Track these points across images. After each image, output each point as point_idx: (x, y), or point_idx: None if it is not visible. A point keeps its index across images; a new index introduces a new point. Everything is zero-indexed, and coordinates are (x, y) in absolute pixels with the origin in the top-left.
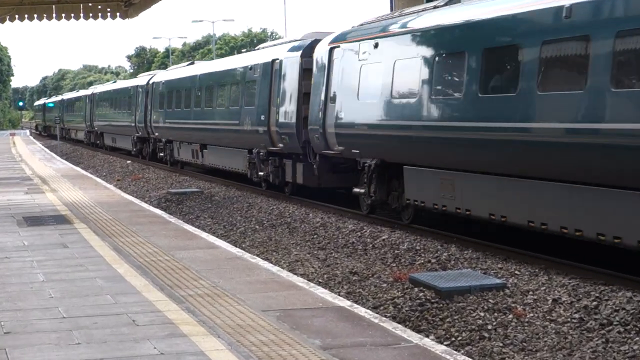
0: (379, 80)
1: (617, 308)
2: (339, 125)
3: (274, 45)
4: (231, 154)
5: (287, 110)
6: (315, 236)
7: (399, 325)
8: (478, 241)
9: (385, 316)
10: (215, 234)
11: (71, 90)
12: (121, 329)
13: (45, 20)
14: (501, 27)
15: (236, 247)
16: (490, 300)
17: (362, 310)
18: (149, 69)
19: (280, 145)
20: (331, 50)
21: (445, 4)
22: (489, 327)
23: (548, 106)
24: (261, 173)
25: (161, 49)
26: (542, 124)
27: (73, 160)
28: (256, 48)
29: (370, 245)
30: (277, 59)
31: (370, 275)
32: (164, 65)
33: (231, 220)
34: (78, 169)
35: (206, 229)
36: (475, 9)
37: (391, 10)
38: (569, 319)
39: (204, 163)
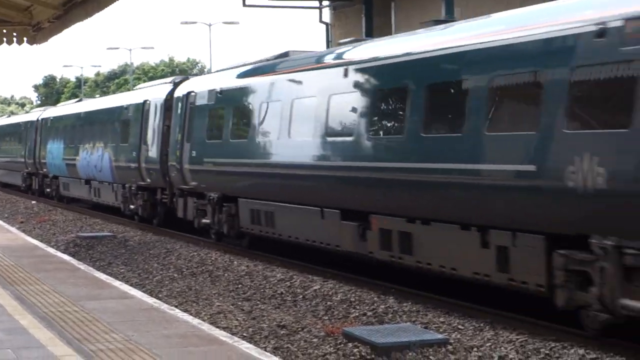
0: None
1: None
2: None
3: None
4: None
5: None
6: (239, 286)
7: None
8: (418, 292)
9: None
10: (129, 283)
11: None
12: None
13: None
14: None
15: (152, 297)
16: (431, 358)
17: None
18: (57, 100)
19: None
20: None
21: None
22: None
23: None
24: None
25: (72, 78)
26: None
27: None
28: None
29: (301, 296)
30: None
31: (300, 329)
32: (74, 97)
33: (147, 268)
34: None
35: (119, 277)
36: None
37: (327, 43)
38: None
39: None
